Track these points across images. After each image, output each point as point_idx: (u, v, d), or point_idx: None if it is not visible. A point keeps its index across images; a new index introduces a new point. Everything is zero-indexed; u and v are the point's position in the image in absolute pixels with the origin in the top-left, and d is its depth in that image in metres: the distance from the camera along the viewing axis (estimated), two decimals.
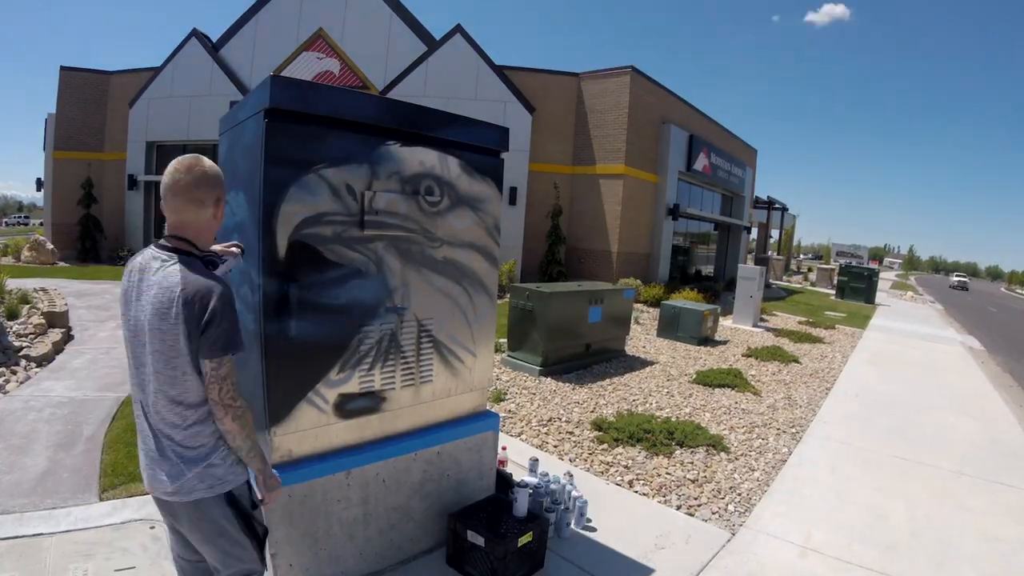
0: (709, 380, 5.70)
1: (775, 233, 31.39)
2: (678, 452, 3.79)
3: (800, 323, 11.08)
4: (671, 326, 8.14)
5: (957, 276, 60.77)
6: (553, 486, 2.84)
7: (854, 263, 29.14)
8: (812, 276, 29.27)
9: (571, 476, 2.99)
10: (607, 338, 6.46)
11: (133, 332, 1.37)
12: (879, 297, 18.69)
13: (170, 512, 1.47)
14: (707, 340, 8.09)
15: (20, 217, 52.94)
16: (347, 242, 2.01)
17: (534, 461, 3.11)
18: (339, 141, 1.96)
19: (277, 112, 1.81)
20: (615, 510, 2.95)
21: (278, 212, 1.85)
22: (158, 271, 1.33)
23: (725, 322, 9.84)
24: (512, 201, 12.79)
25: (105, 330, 6.26)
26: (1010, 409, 5.83)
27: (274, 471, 1.58)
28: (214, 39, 14.25)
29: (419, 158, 2.19)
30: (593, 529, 2.74)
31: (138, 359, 1.38)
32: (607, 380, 5.57)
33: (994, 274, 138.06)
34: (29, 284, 8.19)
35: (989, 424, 5.14)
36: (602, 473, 3.43)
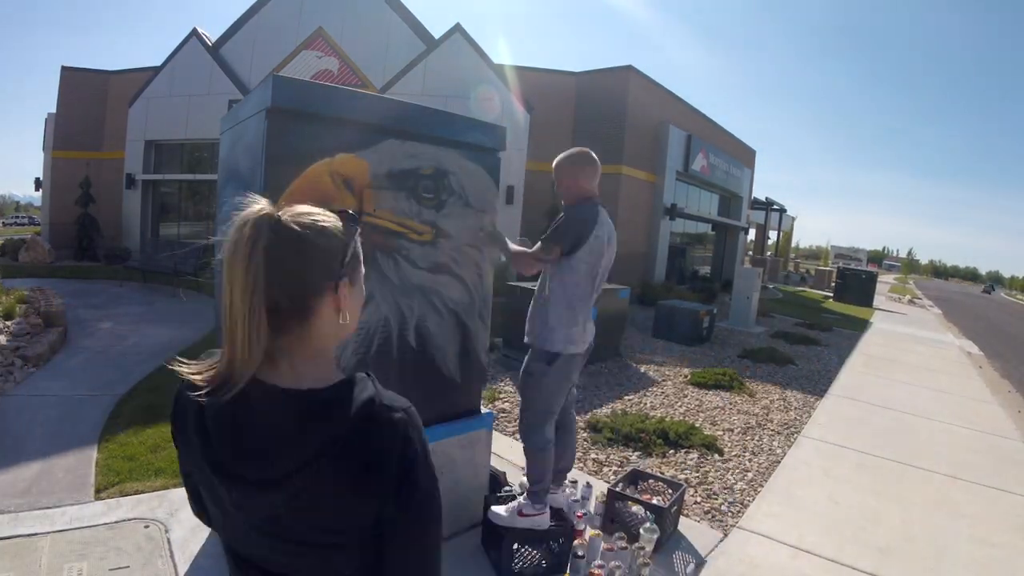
0: (704, 381, 5.71)
1: (773, 234, 31.43)
2: (672, 452, 3.80)
3: (796, 324, 11.11)
4: (667, 326, 8.15)
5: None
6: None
7: (852, 265, 29.21)
8: (810, 279, 29.29)
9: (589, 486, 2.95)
10: (602, 337, 6.43)
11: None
12: (877, 300, 18.73)
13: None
14: (703, 340, 8.11)
15: (18, 217, 52.34)
16: None
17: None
18: (339, 140, 1.98)
19: (278, 111, 1.83)
20: None
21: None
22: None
23: (721, 323, 9.85)
24: (509, 200, 12.79)
25: (102, 329, 6.25)
26: (1007, 414, 5.85)
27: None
28: (214, 38, 14.25)
29: (417, 157, 2.20)
30: None
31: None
32: (601, 380, 5.58)
33: (994, 279, 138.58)
34: (26, 283, 8.18)
35: (985, 429, 5.16)
36: (595, 472, 3.44)
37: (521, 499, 2.34)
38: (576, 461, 3.57)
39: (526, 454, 2.39)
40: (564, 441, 2.54)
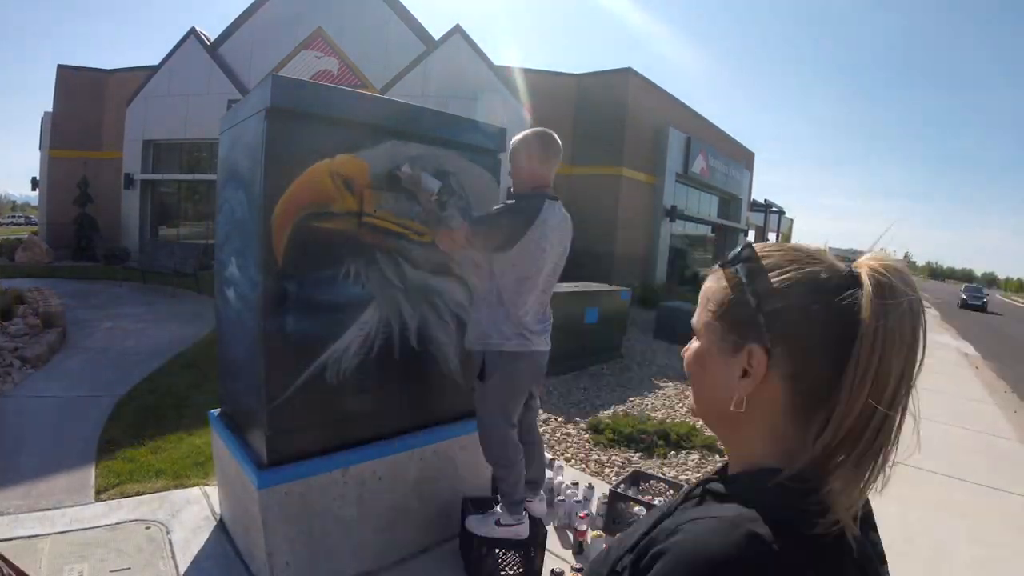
0: None
1: (772, 236, 31.48)
2: (673, 454, 3.80)
3: None
4: (668, 328, 8.16)
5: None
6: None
7: None
8: None
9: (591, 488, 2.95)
10: (603, 339, 6.47)
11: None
12: None
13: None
14: None
15: (14, 216, 52.09)
16: (346, 240, 2.03)
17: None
18: (338, 140, 1.98)
19: (278, 111, 1.82)
20: None
21: (278, 210, 1.86)
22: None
23: None
24: None
25: (101, 330, 6.24)
26: (1004, 414, 5.86)
27: None
28: (212, 38, 14.24)
29: (417, 157, 2.20)
30: None
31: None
32: (603, 381, 5.58)
33: (989, 280, 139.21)
34: (25, 283, 8.16)
35: (983, 429, 5.17)
36: (597, 473, 3.44)
37: (499, 508, 2.24)
38: (578, 463, 3.58)
39: (491, 466, 2.26)
40: (530, 454, 2.37)
